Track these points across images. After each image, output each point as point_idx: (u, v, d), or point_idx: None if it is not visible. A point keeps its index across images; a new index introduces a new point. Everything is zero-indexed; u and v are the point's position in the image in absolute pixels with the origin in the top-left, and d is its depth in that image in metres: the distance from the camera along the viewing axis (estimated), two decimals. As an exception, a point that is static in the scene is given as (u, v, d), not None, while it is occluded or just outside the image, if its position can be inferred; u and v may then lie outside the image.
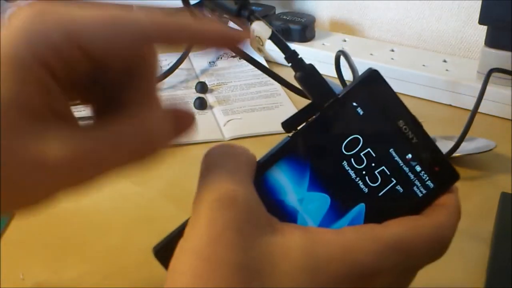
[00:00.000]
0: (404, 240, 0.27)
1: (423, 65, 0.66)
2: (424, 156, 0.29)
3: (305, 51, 0.70)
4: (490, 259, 0.40)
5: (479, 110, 0.61)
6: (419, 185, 0.29)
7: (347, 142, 0.29)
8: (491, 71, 0.57)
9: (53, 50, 0.24)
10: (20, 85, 0.23)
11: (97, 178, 0.26)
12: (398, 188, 0.29)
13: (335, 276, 0.25)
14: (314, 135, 0.29)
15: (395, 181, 0.29)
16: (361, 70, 0.60)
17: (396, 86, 0.64)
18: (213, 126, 0.59)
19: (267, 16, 0.76)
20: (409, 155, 0.29)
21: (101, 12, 0.25)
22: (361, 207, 0.29)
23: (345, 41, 0.72)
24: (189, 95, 0.65)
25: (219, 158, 0.27)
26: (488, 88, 0.60)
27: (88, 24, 0.25)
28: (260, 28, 0.30)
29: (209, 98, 0.64)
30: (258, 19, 0.31)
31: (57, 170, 0.24)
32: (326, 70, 0.71)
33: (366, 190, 0.29)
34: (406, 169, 0.29)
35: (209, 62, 0.73)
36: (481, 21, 0.59)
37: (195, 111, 0.62)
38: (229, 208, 0.25)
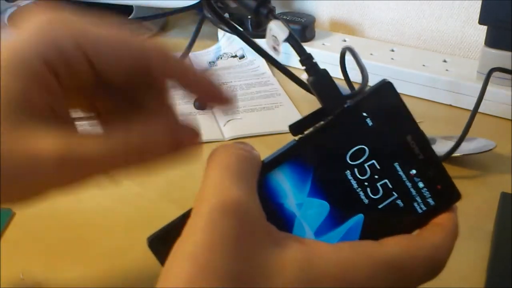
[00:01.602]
0: (399, 260, 0.27)
1: (423, 65, 0.66)
2: (428, 173, 0.29)
3: (305, 51, 0.70)
4: (490, 259, 0.40)
5: (479, 110, 0.61)
6: (420, 201, 0.29)
7: (352, 152, 0.29)
8: (492, 70, 0.57)
9: (61, 56, 0.26)
10: (23, 82, 0.25)
11: (86, 179, 0.27)
12: (399, 203, 0.29)
13: None
14: (320, 141, 0.29)
15: (396, 195, 0.29)
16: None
17: (396, 86, 0.64)
18: (213, 126, 0.59)
19: (267, 16, 0.76)
20: (413, 171, 0.29)
21: (110, 30, 0.27)
22: (359, 217, 0.29)
23: (345, 41, 0.72)
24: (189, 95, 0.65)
25: (225, 159, 0.27)
26: (488, 88, 0.60)
27: (97, 39, 0.27)
28: (277, 28, 0.30)
29: (209, 98, 0.64)
30: (276, 18, 0.30)
31: (48, 165, 0.25)
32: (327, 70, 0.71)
33: (366, 201, 0.29)
34: (409, 184, 0.29)
35: (209, 62, 0.73)
36: (481, 21, 0.59)
37: (195, 111, 0.62)
38: (231, 216, 0.24)
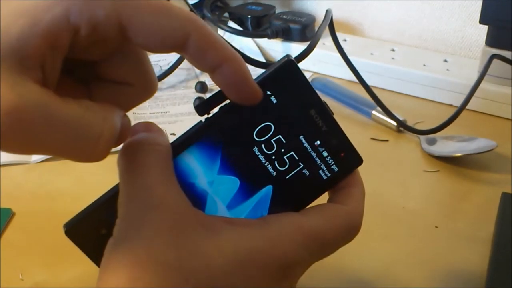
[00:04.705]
0: (322, 231, 0.28)
1: (424, 65, 0.66)
2: (332, 142, 0.30)
3: (305, 50, 0.70)
4: (491, 259, 0.40)
5: (479, 110, 0.61)
6: (325, 169, 0.31)
7: (259, 129, 0.29)
8: (493, 56, 0.57)
9: (89, 15, 0.24)
10: (25, 26, 0.23)
11: (43, 146, 0.24)
12: (305, 172, 0.30)
13: (263, 267, 0.26)
14: (226, 121, 0.29)
15: (302, 165, 0.30)
16: (362, 70, 0.60)
17: (396, 86, 0.64)
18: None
19: (267, 15, 0.76)
20: (318, 142, 0.30)
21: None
22: (268, 188, 0.30)
23: (345, 40, 0.72)
24: (189, 95, 0.65)
25: (139, 158, 0.27)
26: (488, 87, 0.60)
27: (137, 5, 0.25)
28: None
29: (209, 98, 0.64)
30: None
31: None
32: (326, 70, 0.71)
33: (274, 173, 0.30)
34: (314, 154, 0.30)
35: (209, 62, 0.73)
36: (482, 21, 0.59)
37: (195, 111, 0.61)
38: (160, 211, 0.25)
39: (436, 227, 0.45)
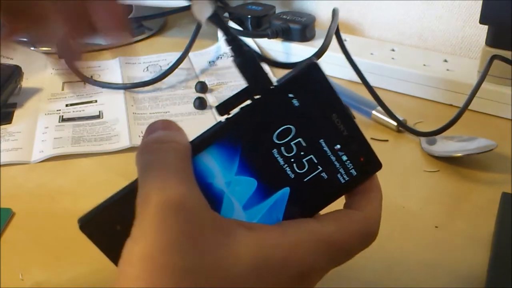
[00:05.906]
0: (339, 238, 0.28)
1: (424, 65, 0.66)
2: (352, 147, 0.30)
3: (305, 50, 0.70)
4: (491, 259, 0.40)
5: (479, 110, 0.61)
6: (343, 173, 0.30)
7: (279, 131, 0.29)
8: (493, 57, 0.57)
9: None
10: None
11: None
12: (323, 175, 0.30)
13: (280, 274, 0.26)
14: (247, 122, 0.29)
15: (321, 169, 0.30)
16: (362, 70, 0.60)
17: (396, 86, 0.64)
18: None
19: (267, 15, 0.76)
20: (338, 146, 0.30)
21: None
22: (285, 190, 0.30)
23: (345, 40, 0.72)
24: (189, 95, 0.65)
25: (158, 157, 0.27)
26: (488, 87, 0.59)
27: None
28: (200, 5, 0.29)
29: (209, 98, 0.64)
30: None
31: None
32: (326, 70, 0.71)
33: (292, 175, 0.30)
34: (333, 158, 0.30)
35: (209, 62, 0.73)
36: (482, 21, 0.59)
37: (195, 111, 0.61)
38: (178, 213, 0.25)
39: (436, 227, 0.45)
